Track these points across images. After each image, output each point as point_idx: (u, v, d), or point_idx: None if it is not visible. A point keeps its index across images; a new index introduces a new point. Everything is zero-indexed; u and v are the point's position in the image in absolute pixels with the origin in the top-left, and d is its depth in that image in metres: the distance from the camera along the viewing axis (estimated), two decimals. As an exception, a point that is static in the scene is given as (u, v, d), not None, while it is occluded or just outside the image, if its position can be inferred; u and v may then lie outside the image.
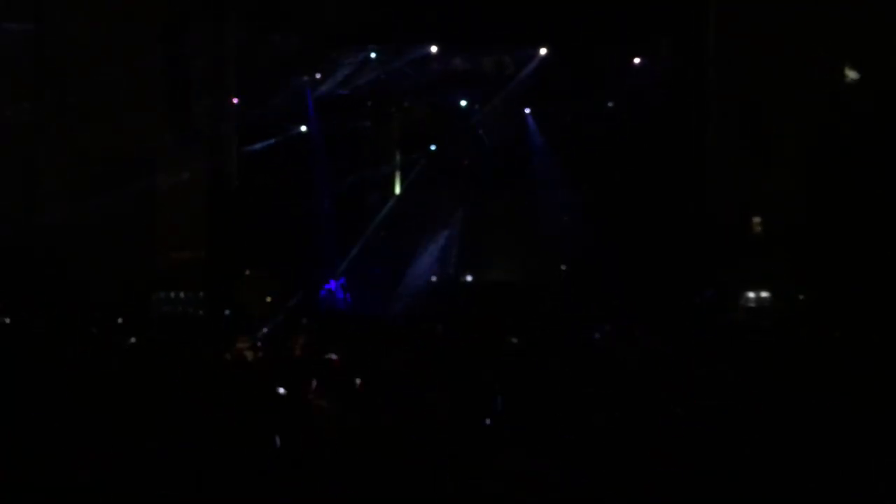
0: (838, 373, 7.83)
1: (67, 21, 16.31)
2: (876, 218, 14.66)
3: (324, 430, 6.37)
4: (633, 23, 16.78)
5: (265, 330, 11.46)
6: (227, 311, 16.03)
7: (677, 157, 17.54)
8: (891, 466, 5.44)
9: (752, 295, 16.21)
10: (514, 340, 9.97)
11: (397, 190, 21.49)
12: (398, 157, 21.53)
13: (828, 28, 14.95)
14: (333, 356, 8.18)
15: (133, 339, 9.89)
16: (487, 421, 6.61)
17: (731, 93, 16.68)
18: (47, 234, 16.33)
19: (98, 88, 16.03)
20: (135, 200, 16.47)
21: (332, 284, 19.72)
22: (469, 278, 20.96)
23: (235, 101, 18.51)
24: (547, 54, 18.82)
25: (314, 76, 19.73)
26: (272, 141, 19.93)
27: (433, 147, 21.15)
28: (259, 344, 9.66)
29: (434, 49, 18.72)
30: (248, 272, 18.41)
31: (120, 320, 12.98)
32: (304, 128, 20.52)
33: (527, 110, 20.54)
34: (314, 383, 7.11)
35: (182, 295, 16.82)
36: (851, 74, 15.61)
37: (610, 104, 19.84)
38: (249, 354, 8.92)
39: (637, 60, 18.69)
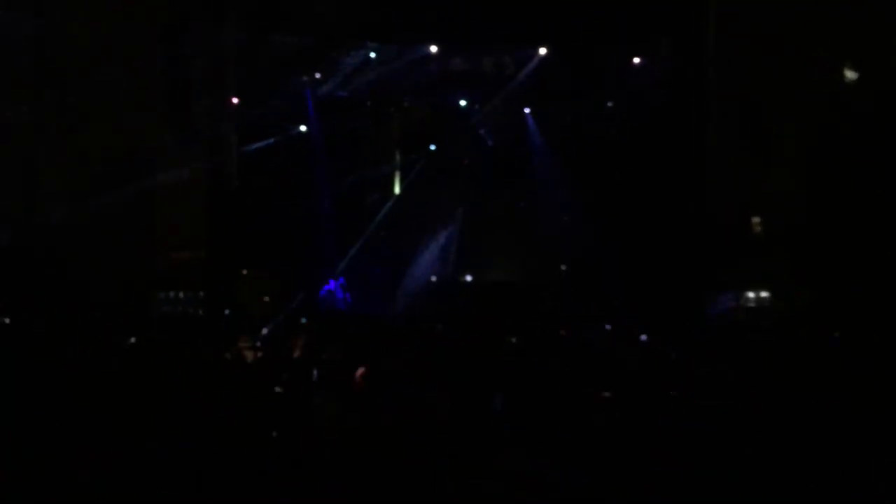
0: (838, 373, 7.84)
1: (67, 21, 16.29)
2: (876, 218, 14.66)
3: (324, 430, 6.37)
4: (633, 23, 16.77)
5: (265, 330, 11.46)
6: (227, 311, 16.04)
7: (677, 158, 17.51)
8: (891, 466, 5.44)
9: (752, 295, 16.22)
10: (514, 340, 9.98)
11: (397, 190, 21.49)
12: (398, 157, 21.53)
13: (828, 28, 14.95)
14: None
15: (133, 339, 9.88)
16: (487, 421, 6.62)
17: (731, 93, 16.67)
18: (47, 234, 16.31)
19: (98, 88, 16.02)
20: (135, 200, 16.46)
21: (332, 284, 19.72)
22: (469, 278, 20.96)
23: (235, 101, 18.50)
24: (547, 54, 18.79)
25: (314, 76, 19.72)
26: (272, 141, 19.91)
27: (433, 147, 21.15)
28: (259, 344, 9.66)
29: (434, 49, 18.69)
30: (247, 272, 18.41)
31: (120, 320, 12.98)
32: (303, 128, 20.51)
33: (527, 110, 20.54)
34: (314, 378, 7.11)
35: (182, 295, 16.81)
36: (851, 74, 15.60)
37: (610, 104, 19.85)
38: (249, 354, 8.92)
39: (637, 60, 18.66)
